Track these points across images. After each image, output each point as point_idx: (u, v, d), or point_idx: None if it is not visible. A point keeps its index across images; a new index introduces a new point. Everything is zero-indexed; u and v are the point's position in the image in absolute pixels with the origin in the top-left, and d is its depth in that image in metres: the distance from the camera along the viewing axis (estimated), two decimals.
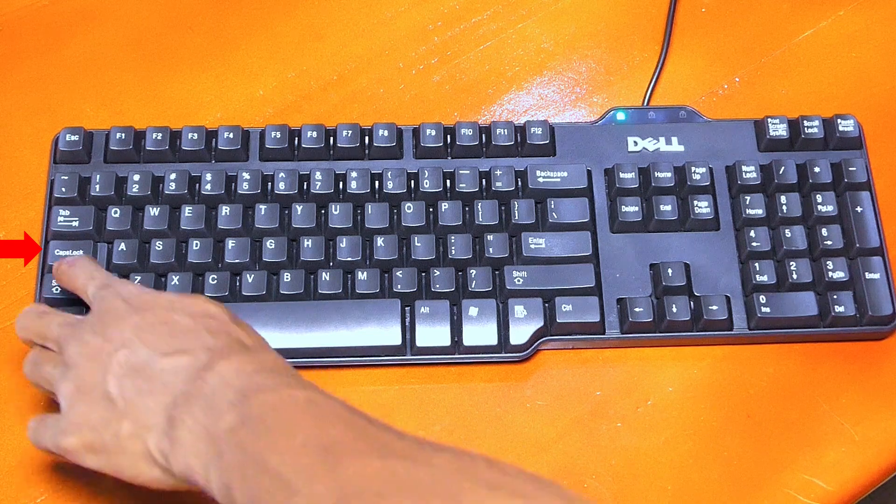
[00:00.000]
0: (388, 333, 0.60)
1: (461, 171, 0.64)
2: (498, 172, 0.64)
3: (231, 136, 0.64)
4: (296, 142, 0.65)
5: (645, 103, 0.70)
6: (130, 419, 0.47)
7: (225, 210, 0.62)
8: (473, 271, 0.61)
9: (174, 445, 0.45)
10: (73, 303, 0.58)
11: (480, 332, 0.60)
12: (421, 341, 0.60)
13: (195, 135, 0.64)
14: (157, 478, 0.48)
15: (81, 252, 0.61)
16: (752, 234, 0.62)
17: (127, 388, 0.48)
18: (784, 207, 0.63)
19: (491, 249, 0.62)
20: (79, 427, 0.49)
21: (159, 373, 0.47)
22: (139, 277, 0.61)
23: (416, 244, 0.62)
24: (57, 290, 0.60)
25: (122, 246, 0.61)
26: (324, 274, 0.61)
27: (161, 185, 0.63)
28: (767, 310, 0.61)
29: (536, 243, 0.62)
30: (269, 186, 0.64)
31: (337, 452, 0.41)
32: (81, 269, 0.56)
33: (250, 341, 0.50)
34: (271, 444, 0.42)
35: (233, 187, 0.64)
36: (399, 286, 0.61)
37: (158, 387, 0.47)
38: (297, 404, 0.44)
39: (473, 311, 0.60)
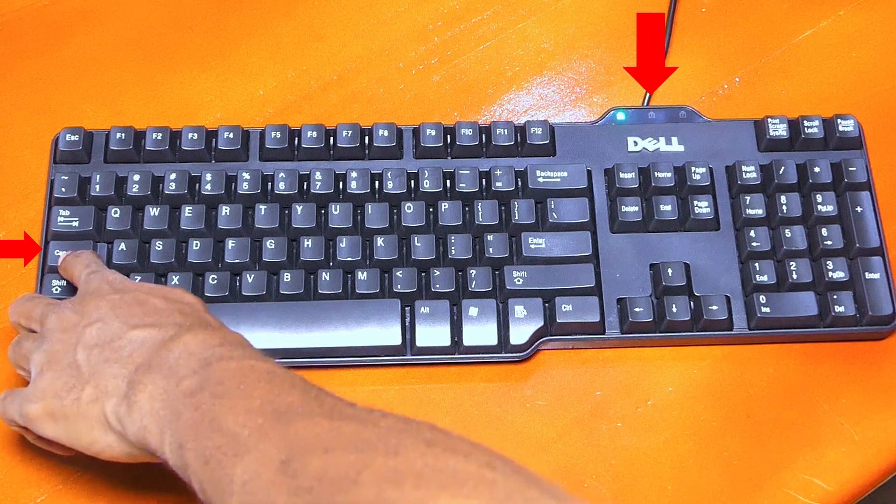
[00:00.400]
0: (388, 333, 0.60)
1: (461, 171, 0.64)
2: (498, 172, 0.64)
3: (231, 136, 0.64)
4: (296, 142, 0.65)
5: (645, 103, 0.70)
6: (92, 385, 0.49)
7: (225, 210, 0.62)
8: (473, 271, 0.61)
9: (131, 408, 0.46)
10: None
11: (480, 332, 0.60)
12: (421, 341, 0.60)
13: (195, 135, 0.64)
14: (111, 444, 0.49)
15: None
16: (752, 234, 0.62)
17: (94, 357, 0.49)
18: (784, 207, 0.63)
19: (491, 249, 0.62)
20: (43, 394, 0.50)
21: (127, 343, 0.49)
22: (139, 277, 0.61)
23: (416, 244, 0.62)
24: (57, 290, 0.60)
25: (122, 246, 0.61)
26: (324, 274, 0.61)
27: (161, 185, 0.63)
28: (767, 310, 0.61)
29: (536, 243, 0.62)
30: (269, 186, 0.64)
31: (290, 415, 0.43)
32: (81, 261, 0.58)
33: (217, 325, 0.52)
34: (228, 406, 0.44)
35: (233, 187, 0.64)
36: (399, 286, 0.61)
37: (124, 356, 0.48)
38: (256, 373, 0.46)
39: (473, 311, 0.60)
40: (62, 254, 0.60)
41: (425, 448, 0.40)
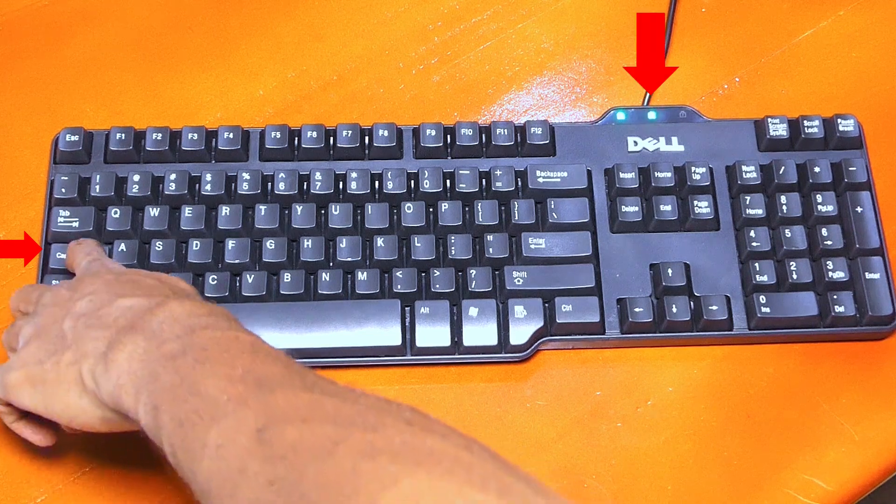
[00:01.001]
0: (388, 333, 0.60)
1: (461, 171, 0.64)
2: (498, 172, 0.64)
3: (231, 136, 0.64)
4: (296, 142, 0.65)
5: (645, 103, 0.70)
6: (73, 349, 0.48)
7: (225, 210, 0.62)
8: (473, 271, 0.61)
9: (108, 367, 0.46)
10: None
11: (480, 332, 0.60)
12: (421, 341, 0.60)
13: (195, 135, 0.64)
14: (84, 408, 0.48)
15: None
16: (752, 234, 0.63)
17: (79, 325, 0.49)
18: (784, 207, 0.63)
19: (491, 249, 0.62)
20: (25, 362, 0.50)
21: (114, 309, 0.49)
22: None
23: (416, 244, 0.62)
24: None
25: (122, 246, 0.61)
26: (324, 274, 0.61)
27: (161, 185, 0.63)
28: (767, 310, 0.61)
29: (536, 243, 0.62)
30: (269, 186, 0.64)
31: (270, 385, 0.43)
32: (83, 248, 0.58)
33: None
34: (209, 371, 0.44)
35: (233, 187, 0.64)
36: (399, 286, 0.61)
37: (108, 321, 0.48)
38: (240, 343, 0.46)
39: (473, 311, 0.60)
40: (63, 257, 0.61)
41: (404, 426, 0.40)
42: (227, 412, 0.42)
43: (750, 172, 0.64)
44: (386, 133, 0.65)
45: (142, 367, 0.45)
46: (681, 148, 0.66)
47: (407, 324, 0.61)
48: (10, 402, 0.52)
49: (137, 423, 0.45)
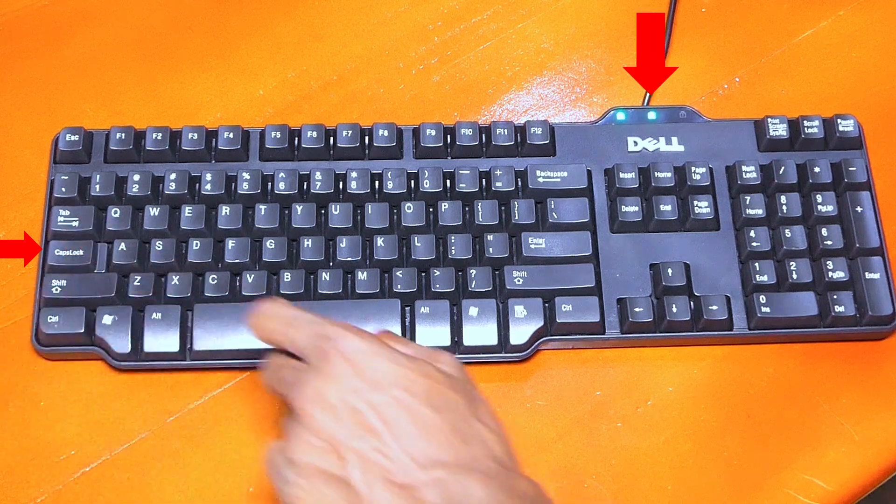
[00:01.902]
0: None
1: (461, 171, 0.64)
2: (498, 172, 0.64)
3: (231, 136, 0.64)
4: (296, 142, 0.65)
5: (645, 103, 0.70)
6: None
7: (225, 210, 0.62)
8: (473, 271, 0.61)
9: None
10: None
11: (480, 332, 0.60)
12: (421, 341, 0.60)
13: (195, 135, 0.64)
14: None
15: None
16: (752, 234, 0.63)
17: (377, 494, 0.45)
18: (784, 207, 0.63)
19: (491, 249, 0.62)
20: (306, 494, 0.46)
21: (418, 502, 0.45)
22: (139, 277, 0.60)
23: (416, 244, 0.62)
24: (57, 290, 0.60)
25: (122, 246, 0.61)
26: (324, 274, 0.61)
27: (161, 185, 0.63)
28: (767, 310, 0.61)
29: (536, 243, 0.62)
30: (269, 186, 0.64)
31: None
32: (276, 321, 0.52)
33: (508, 461, 0.48)
34: None
35: (233, 187, 0.64)
36: (399, 286, 0.61)
37: None
38: None
39: (473, 311, 0.60)
40: (62, 254, 0.60)
41: None
42: None
43: (750, 172, 0.64)
44: (386, 133, 0.65)
45: None
46: (681, 148, 0.66)
47: (407, 323, 0.61)
48: None
49: None
